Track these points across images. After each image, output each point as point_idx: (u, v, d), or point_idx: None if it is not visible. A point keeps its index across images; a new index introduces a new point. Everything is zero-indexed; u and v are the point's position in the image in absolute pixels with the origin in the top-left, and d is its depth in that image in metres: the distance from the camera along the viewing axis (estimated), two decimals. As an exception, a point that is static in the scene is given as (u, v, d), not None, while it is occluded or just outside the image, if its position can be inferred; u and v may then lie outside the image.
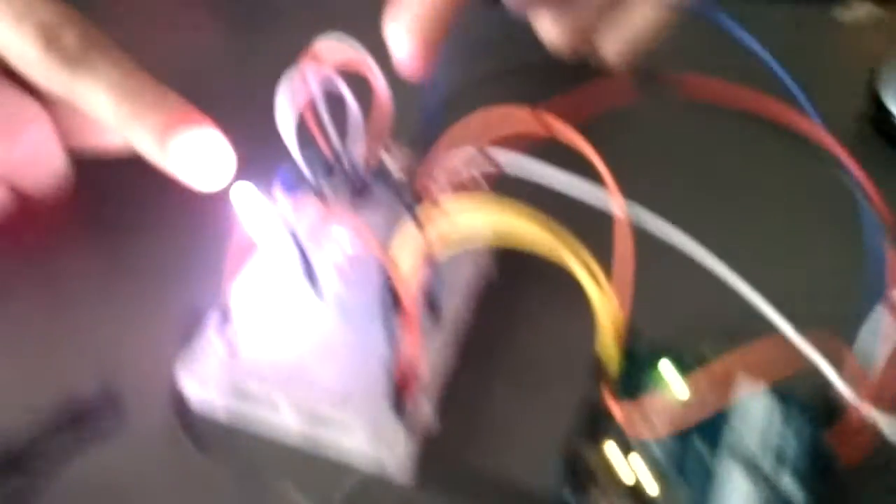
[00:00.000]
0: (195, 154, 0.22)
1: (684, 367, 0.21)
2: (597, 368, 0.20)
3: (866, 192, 0.24)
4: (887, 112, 0.30)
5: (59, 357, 0.22)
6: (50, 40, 0.22)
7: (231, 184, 0.20)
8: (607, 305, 0.19)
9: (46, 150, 0.24)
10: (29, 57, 0.22)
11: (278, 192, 0.20)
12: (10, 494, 0.19)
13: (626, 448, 0.20)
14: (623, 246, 0.19)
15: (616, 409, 0.19)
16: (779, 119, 0.28)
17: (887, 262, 0.21)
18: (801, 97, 0.26)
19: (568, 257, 0.18)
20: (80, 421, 0.20)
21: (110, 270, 0.24)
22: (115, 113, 0.22)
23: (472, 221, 0.20)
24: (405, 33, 0.23)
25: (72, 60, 0.22)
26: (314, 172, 0.22)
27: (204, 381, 0.20)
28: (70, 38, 0.22)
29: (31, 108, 0.23)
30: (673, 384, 0.21)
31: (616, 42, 0.27)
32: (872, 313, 0.20)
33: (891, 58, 0.31)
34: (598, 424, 0.20)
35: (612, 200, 0.20)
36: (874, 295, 0.20)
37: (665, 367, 0.21)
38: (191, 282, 0.22)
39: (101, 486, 0.19)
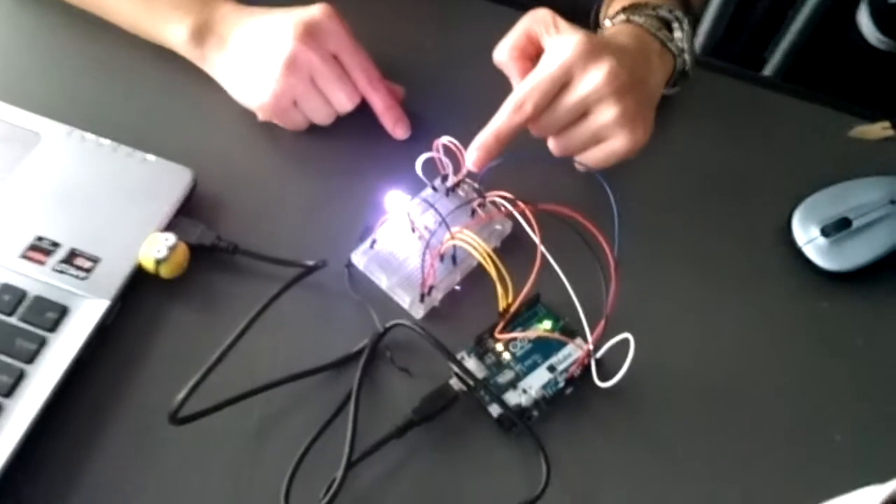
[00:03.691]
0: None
1: (555, 321, 0.49)
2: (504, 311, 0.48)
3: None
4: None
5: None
6: None
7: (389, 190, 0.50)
8: (503, 290, 0.47)
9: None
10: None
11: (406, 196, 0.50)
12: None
13: (504, 344, 0.48)
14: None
15: (499, 327, 0.48)
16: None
17: (610, 291, 0.45)
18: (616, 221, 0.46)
19: (492, 270, 0.47)
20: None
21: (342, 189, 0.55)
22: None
23: (471, 243, 0.48)
24: (475, 151, 0.50)
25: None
26: (432, 184, 0.52)
27: (358, 256, 0.51)
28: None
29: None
30: (542, 325, 0.48)
31: (580, 164, 0.52)
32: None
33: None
34: (493, 331, 0.48)
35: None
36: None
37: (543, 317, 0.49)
38: (368, 211, 0.52)
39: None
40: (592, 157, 0.51)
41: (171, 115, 0.58)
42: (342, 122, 0.56)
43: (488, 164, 0.50)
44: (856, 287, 0.53)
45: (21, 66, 0.60)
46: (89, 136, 0.53)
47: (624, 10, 0.56)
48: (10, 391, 0.43)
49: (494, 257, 0.47)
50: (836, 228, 0.52)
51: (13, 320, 0.46)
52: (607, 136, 0.50)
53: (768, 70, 1.10)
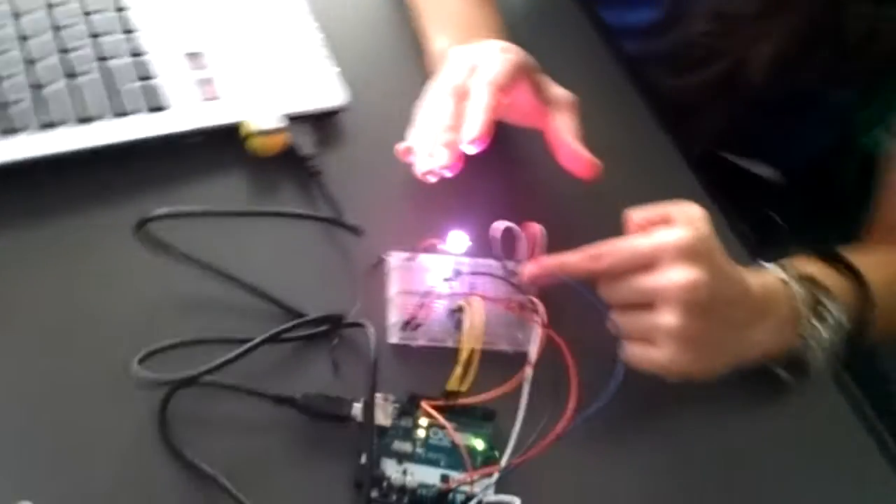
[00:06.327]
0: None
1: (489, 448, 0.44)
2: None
3: None
4: None
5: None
6: None
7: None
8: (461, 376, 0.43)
9: None
10: None
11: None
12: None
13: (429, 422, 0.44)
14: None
15: (434, 402, 0.44)
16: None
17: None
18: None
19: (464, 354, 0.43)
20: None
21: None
22: None
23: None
24: (535, 266, 0.48)
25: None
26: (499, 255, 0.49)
27: (393, 257, 0.49)
28: None
29: None
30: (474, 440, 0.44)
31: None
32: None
33: None
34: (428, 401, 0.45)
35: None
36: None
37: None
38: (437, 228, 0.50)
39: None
40: (632, 351, 0.46)
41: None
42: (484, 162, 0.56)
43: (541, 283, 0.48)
44: None
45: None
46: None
47: (799, 276, 0.51)
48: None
49: (477, 346, 0.44)
50: None
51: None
52: (655, 341, 0.45)
53: None
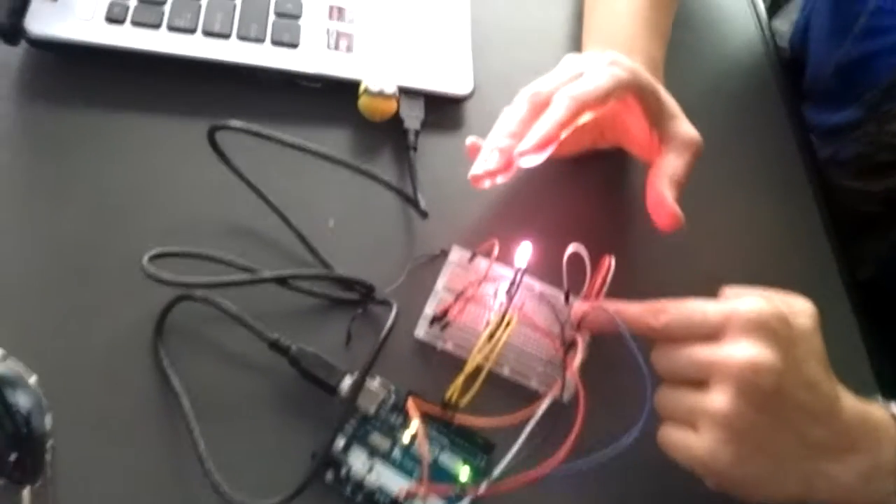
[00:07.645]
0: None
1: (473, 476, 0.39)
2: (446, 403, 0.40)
3: None
4: None
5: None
6: None
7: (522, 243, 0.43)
8: (462, 387, 0.38)
9: None
10: None
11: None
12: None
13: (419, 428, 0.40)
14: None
15: (428, 405, 0.40)
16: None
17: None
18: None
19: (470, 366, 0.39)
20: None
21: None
22: None
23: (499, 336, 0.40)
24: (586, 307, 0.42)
25: None
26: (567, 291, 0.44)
27: (456, 249, 0.46)
28: None
29: None
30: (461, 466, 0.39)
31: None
32: None
33: None
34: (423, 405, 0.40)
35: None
36: None
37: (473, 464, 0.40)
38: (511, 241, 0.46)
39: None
40: (668, 434, 0.38)
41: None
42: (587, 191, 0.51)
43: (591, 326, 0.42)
44: None
45: None
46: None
47: None
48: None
49: (487, 363, 0.39)
50: None
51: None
52: (695, 425, 0.37)
53: None
